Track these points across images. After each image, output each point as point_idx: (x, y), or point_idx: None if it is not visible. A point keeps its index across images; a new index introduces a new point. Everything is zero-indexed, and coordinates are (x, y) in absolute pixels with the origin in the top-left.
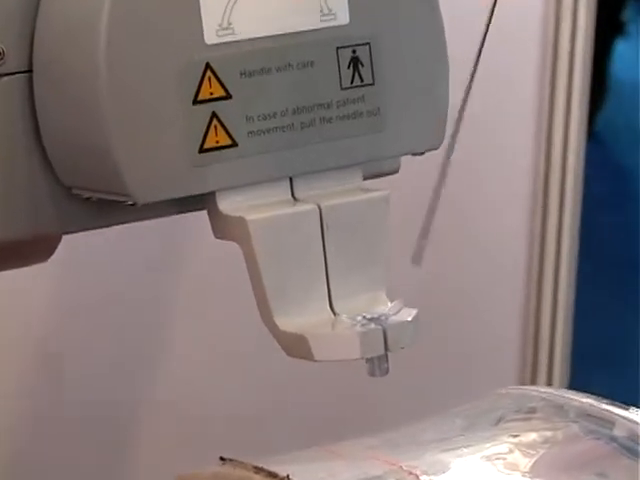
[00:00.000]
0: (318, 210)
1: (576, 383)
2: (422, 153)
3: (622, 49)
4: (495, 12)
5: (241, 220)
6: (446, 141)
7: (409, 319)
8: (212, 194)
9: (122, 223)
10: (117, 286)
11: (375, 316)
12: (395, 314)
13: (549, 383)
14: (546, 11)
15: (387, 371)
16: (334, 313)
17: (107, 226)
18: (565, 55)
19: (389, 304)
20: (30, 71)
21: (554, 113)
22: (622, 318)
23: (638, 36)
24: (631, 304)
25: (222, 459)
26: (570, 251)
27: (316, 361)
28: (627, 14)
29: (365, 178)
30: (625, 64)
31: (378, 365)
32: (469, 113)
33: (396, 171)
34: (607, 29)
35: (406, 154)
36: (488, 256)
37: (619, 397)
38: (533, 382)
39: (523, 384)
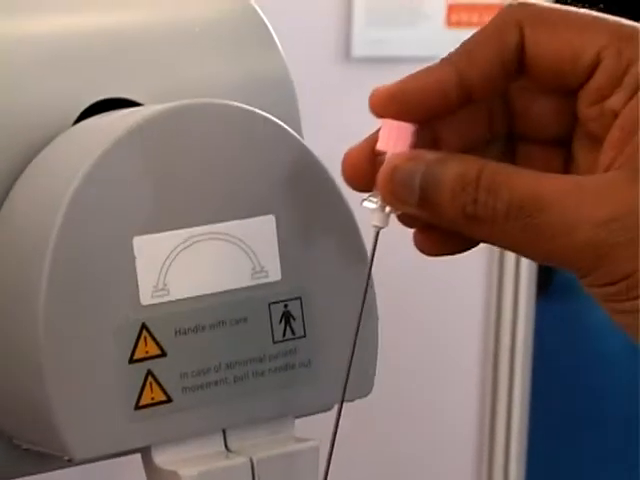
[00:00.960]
0: (250, 463)
1: None
2: (352, 400)
3: None
4: None
5: (174, 475)
6: None
7: None
8: (147, 447)
9: (61, 469)
10: None
11: None
12: None
13: None
14: None
15: None
16: None
17: (45, 472)
18: None
19: None
20: None
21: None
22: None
23: None
24: (586, 459)
25: None
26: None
27: None
28: None
29: (299, 417)
30: None
31: None
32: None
33: (329, 409)
34: None
35: (336, 403)
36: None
37: None
38: None
39: None
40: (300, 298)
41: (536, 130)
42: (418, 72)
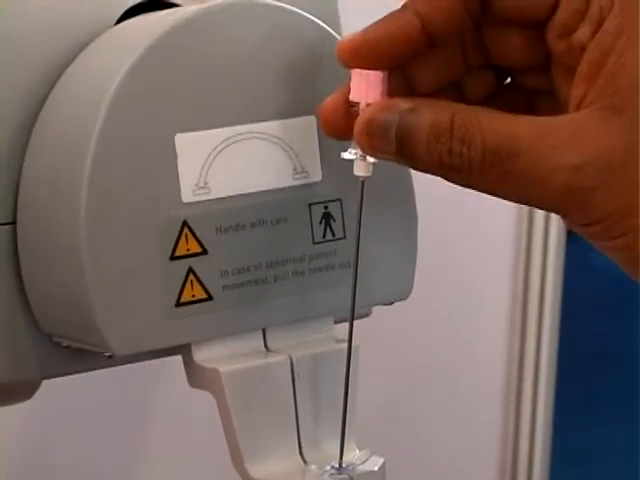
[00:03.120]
0: (289, 361)
1: None
2: (391, 303)
3: None
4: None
5: (214, 372)
6: None
7: (375, 468)
8: (187, 345)
9: (100, 368)
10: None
11: (343, 465)
12: (362, 463)
13: None
14: None
15: None
16: (304, 461)
17: (85, 371)
18: None
19: (357, 452)
20: (14, 223)
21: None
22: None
23: None
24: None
25: None
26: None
27: None
28: None
29: (338, 322)
30: None
31: None
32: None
33: (367, 315)
34: None
35: (376, 305)
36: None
37: None
38: None
39: None
40: (340, 200)
41: (512, 61)
42: (380, 20)
